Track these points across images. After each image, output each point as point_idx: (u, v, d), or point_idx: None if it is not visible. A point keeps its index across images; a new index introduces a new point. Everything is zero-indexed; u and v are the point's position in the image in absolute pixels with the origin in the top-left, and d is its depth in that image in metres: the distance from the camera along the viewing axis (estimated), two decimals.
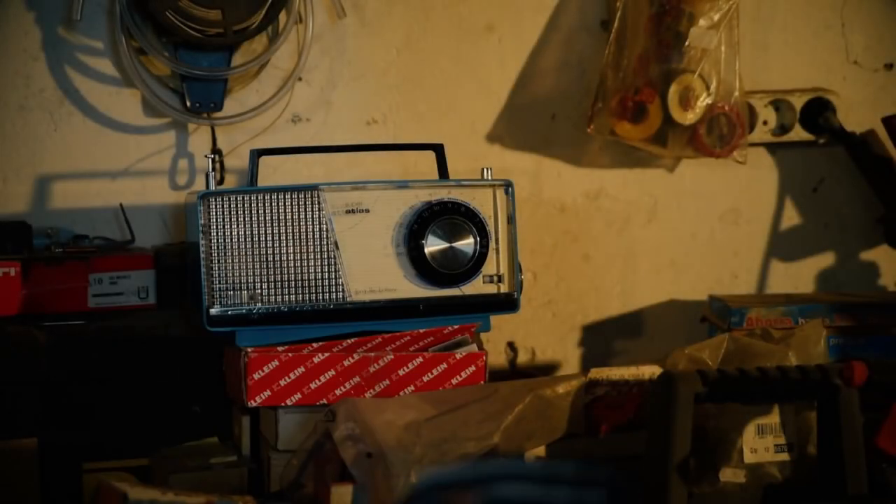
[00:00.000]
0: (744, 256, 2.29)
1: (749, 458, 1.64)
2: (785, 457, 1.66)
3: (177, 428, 1.84)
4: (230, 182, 2.03)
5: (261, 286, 1.69)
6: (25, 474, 1.73)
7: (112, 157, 2.02)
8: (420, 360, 1.70)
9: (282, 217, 1.70)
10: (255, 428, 1.76)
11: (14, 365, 1.78)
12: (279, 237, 1.70)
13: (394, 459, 1.52)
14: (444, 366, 1.71)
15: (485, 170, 1.78)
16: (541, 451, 1.66)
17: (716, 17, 2.09)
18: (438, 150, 1.81)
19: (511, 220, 1.77)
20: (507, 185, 1.77)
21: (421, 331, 1.73)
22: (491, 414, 1.62)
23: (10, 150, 1.99)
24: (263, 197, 1.69)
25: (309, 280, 1.70)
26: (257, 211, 1.69)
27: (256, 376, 1.66)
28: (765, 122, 2.24)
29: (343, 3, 2.05)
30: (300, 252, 1.70)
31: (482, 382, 1.72)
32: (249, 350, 1.67)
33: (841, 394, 1.57)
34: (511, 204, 1.77)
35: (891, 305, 2.05)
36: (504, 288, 1.77)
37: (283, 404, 1.67)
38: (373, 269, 1.72)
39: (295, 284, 1.70)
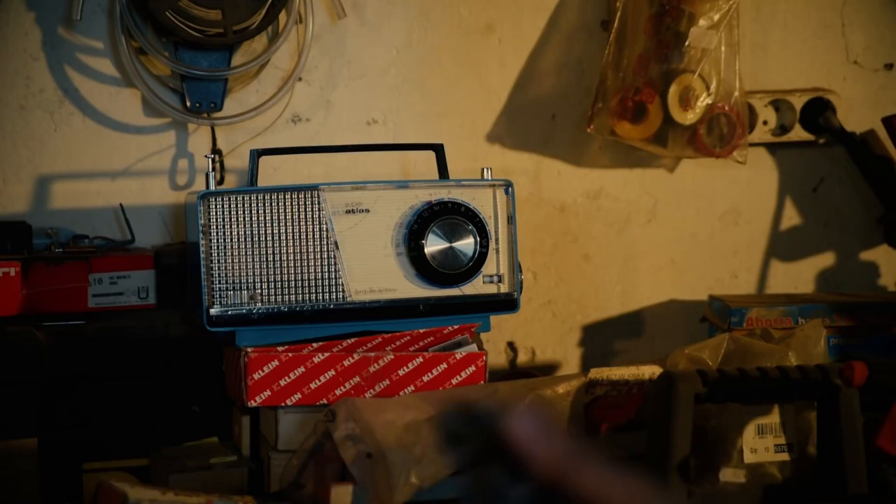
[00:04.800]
0: (744, 256, 2.29)
1: (749, 458, 1.64)
2: (785, 457, 1.66)
3: (177, 428, 1.84)
4: (230, 182, 2.03)
5: (261, 286, 1.69)
6: (25, 474, 1.73)
7: (112, 157, 2.02)
8: (420, 360, 1.70)
9: (282, 217, 1.70)
10: (255, 428, 1.76)
11: (14, 365, 1.78)
12: (279, 237, 1.70)
13: (394, 459, 1.53)
14: (444, 366, 1.71)
15: (485, 170, 1.78)
16: None
17: (716, 17, 2.09)
18: (438, 150, 1.81)
19: (511, 220, 1.77)
20: (507, 185, 1.77)
21: (421, 331, 1.73)
22: None
23: (10, 150, 1.99)
24: (263, 197, 1.69)
25: (309, 280, 1.70)
26: (257, 211, 1.69)
27: (256, 376, 1.66)
28: (765, 122, 2.24)
29: (343, 3, 2.05)
30: (300, 252, 1.70)
31: (482, 382, 1.72)
32: (249, 350, 1.67)
33: (841, 394, 1.57)
34: (511, 204, 1.77)
35: (891, 305, 2.05)
36: (504, 288, 1.77)
37: (283, 404, 1.67)
38: (373, 269, 1.72)
39: (295, 284, 1.70)
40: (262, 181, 1.77)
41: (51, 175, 2.00)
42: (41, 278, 1.82)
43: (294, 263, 1.70)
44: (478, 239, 1.73)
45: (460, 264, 1.73)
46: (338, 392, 1.68)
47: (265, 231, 1.69)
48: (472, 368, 1.72)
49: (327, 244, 1.71)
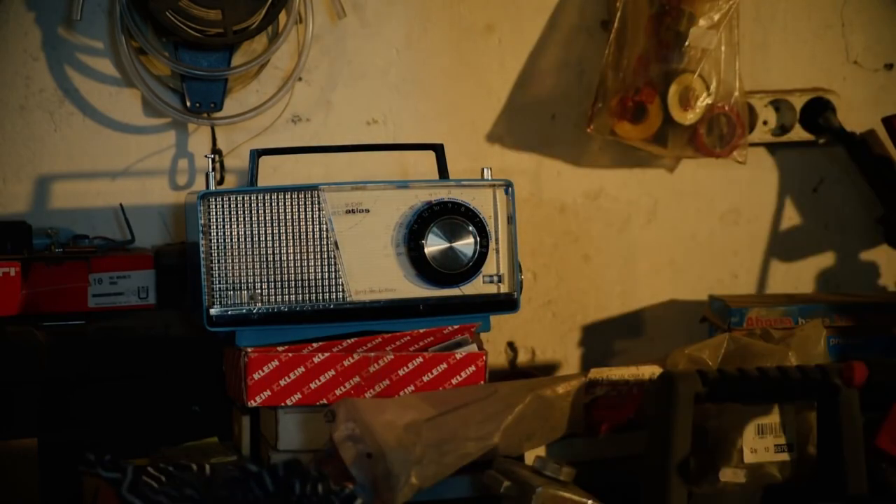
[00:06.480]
0: (744, 256, 2.29)
1: (749, 458, 1.64)
2: (785, 457, 1.66)
3: (177, 428, 1.84)
4: (230, 182, 2.03)
5: (261, 286, 1.69)
6: (25, 474, 1.73)
7: (112, 157, 2.02)
8: (420, 360, 1.70)
9: (282, 217, 1.70)
10: (255, 428, 1.76)
11: (14, 365, 1.78)
12: (279, 237, 1.70)
13: (394, 459, 1.53)
14: (444, 366, 1.71)
15: (485, 170, 1.78)
16: (541, 451, 1.66)
17: (716, 17, 2.09)
18: (438, 150, 1.81)
19: (511, 220, 1.77)
20: (507, 185, 1.77)
21: (421, 331, 1.73)
22: (491, 414, 1.62)
23: (10, 150, 1.99)
24: (263, 197, 1.69)
25: (309, 280, 1.70)
26: (257, 211, 1.69)
27: (256, 376, 1.66)
28: (765, 122, 2.24)
29: (343, 3, 2.05)
30: (300, 252, 1.70)
31: (482, 382, 1.72)
32: (249, 350, 1.67)
33: (841, 394, 1.57)
34: (511, 204, 1.77)
35: (891, 305, 2.05)
36: (504, 288, 1.77)
37: (283, 404, 1.67)
38: (373, 269, 1.72)
39: (295, 284, 1.70)
40: (262, 181, 1.77)
41: (51, 175, 2.00)
42: (41, 278, 1.82)
43: (294, 263, 1.70)
44: (478, 239, 1.73)
45: (460, 264, 1.73)
46: (338, 392, 1.68)
47: (265, 231, 1.69)
48: (472, 368, 1.72)
49: (327, 244, 1.71)
